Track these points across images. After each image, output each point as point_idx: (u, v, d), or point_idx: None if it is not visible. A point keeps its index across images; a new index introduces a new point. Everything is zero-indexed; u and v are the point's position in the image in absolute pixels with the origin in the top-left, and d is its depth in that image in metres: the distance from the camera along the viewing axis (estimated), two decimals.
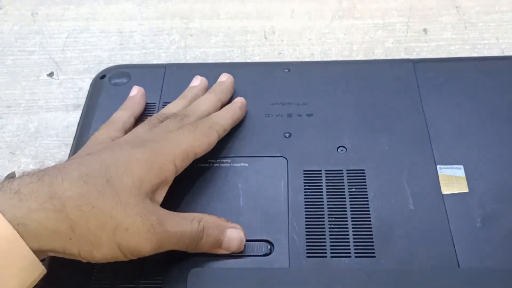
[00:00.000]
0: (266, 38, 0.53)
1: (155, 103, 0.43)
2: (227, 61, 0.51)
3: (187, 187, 0.38)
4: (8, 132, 0.46)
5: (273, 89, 0.44)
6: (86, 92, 0.46)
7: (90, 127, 0.42)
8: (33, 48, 0.53)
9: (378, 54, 0.51)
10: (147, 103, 0.43)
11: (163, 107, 0.43)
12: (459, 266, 0.33)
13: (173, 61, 0.51)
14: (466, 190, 0.37)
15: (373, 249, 0.34)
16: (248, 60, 0.51)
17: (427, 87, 0.43)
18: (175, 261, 0.34)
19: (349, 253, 0.34)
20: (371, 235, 0.35)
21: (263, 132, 0.41)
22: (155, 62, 0.51)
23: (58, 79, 0.51)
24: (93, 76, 0.48)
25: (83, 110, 0.44)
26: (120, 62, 0.51)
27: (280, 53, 0.52)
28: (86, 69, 0.51)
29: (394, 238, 0.34)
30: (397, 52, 0.51)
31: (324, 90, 0.44)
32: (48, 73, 0.51)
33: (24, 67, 0.52)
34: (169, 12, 0.56)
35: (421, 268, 0.33)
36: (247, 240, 0.35)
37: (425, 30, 0.53)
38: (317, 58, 0.51)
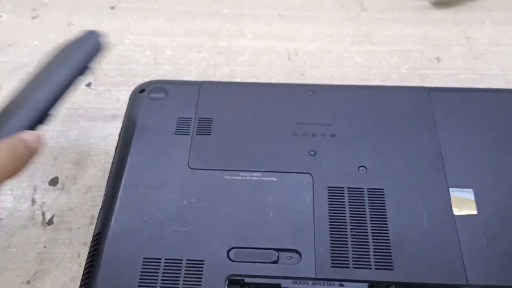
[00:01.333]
0: (289, 59, 0.57)
1: (191, 117, 0.47)
2: (254, 79, 0.55)
3: (220, 197, 0.41)
4: (50, 138, 0.50)
5: (299, 110, 0.48)
6: (123, 103, 0.49)
7: (132, 138, 0.46)
8: None
9: (394, 79, 0.55)
10: (183, 117, 0.47)
11: (198, 122, 0.46)
12: (467, 282, 0.37)
13: (203, 77, 0.55)
14: (475, 212, 0.41)
15: (391, 262, 0.38)
16: (273, 79, 0.55)
17: (441, 114, 0.47)
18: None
19: (370, 265, 0.38)
20: (390, 249, 0.38)
21: (291, 149, 0.45)
22: (186, 77, 0.55)
23: (96, 90, 0.54)
24: (130, 88, 0.51)
25: (123, 122, 0.47)
26: (155, 76, 0.55)
27: (302, 74, 0.55)
28: (123, 81, 0.55)
29: (410, 253, 0.38)
30: (412, 78, 0.55)
31: (346, 112, 0.47)
32: (86, 83, 0.55)
33: None
34: (198, 30, 0.60)
35: (433, 281, 0.37)
36: (277, 249, 0.38)
37: (437, 59, 0.57)
38: (337, 80, 0.55)
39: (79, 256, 0.43)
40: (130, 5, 0.62)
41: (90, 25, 0.60)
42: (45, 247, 0.43)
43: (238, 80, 0.55)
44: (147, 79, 0.54)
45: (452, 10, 0.62)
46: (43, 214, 0.45)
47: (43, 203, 0.46)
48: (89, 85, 0.54)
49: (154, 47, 0.58)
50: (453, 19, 0.61)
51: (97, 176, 0.47)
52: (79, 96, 0.53)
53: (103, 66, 0.56)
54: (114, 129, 0.49)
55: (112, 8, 0.62)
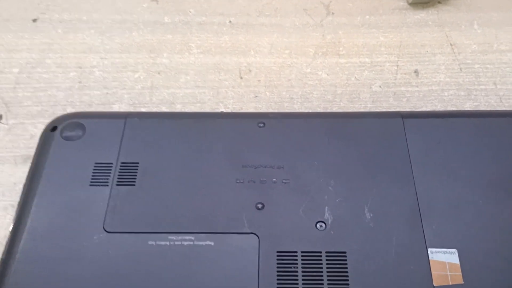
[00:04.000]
0: (241, 78, 0.48)
1: (111, 163, 0.38)
2: (198, 104, 0.46)
3: (142, 269, 0.33)
4: None
5: (246, 148, 0.39)
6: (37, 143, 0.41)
7: (37, 190, 0.37)
8: None
9: (364, 99, 0.46)
10: (102, 163, 0.38)
11: (120, 169, 0.38)
12: None
13: (137, 103, 0.46)
14: (460, 282, 0.32)
15: None
16: (221, 104, 0.46)
17: (418, 148, 0.38)
18: None
19: None
20: None
21: (233, 202, 0.36)
22: (116, 105, 0.46)
23: (7, 124, 0.45)
24: (47, 120, 0.42)
25: (30, 168, 0.39)
26: (78, 104, 0.46)
27: (256, 96, 0.47)
28: (40, 113, 0.46)
29: None
30: (385, 97, 0.46)
31: (303, 149, 0.39)
32: None
33: None
34: (134, 44, 0.50)
35: None
36: None
37: (416, 72, 0.48)
38: (297, 102, 0.46)
39: None
40: (56, 16, 0.52)
41: (7, 42, 0.51)
42: None
43: (179, 106, 0.46)
44: (69, 109, 0.45)
45: (433, 10, 0.53)
46: None
47: None
48: None
49: (80, 67, 0.49)
50: (434, 22, 0.52)
51: (0, 238, 0.38)
52: None
53: (17, 93, 0.47)
54: (25, 174, 0.40)
55: (35, 20, 0.52)
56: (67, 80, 0.48)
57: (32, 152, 0.42)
